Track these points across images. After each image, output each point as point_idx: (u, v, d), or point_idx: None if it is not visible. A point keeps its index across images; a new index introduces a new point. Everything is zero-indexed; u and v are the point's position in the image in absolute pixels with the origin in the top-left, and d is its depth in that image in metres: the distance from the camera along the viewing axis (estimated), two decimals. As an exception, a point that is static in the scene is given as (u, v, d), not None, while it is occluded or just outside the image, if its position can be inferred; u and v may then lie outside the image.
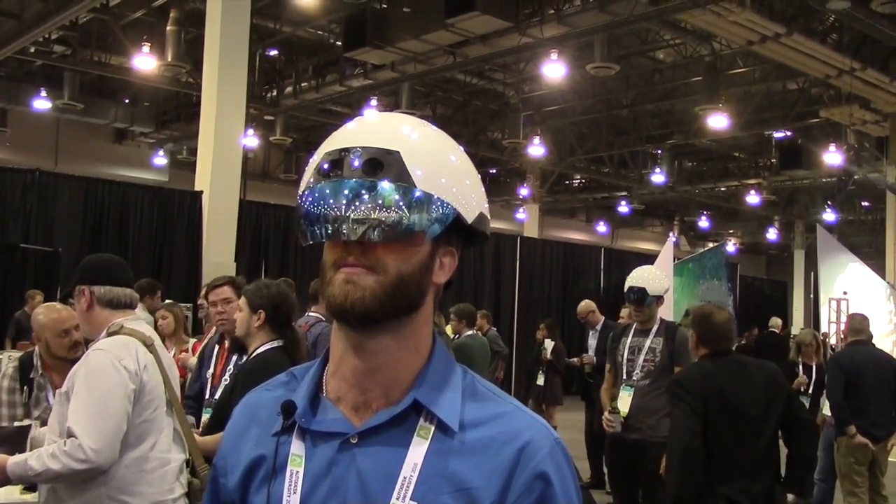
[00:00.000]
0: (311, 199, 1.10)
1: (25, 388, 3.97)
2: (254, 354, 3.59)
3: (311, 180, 1.12)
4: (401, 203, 1.08)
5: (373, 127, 1.17)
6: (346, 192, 1.08)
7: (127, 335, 2.84)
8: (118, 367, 2.72)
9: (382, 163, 1.10)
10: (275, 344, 3.58)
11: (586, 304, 9.01)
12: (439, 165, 1.14)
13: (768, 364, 4.18)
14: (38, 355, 3.92)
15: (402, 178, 1.09)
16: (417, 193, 1.10)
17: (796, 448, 3.97)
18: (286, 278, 7.53)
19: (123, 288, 2.97)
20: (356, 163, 1.10)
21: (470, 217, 1.15)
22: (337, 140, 1.15)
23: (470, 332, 8.10)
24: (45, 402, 3.87)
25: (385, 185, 1.09)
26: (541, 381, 9.76)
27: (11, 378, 4.07)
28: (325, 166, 1.12)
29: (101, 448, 2.61)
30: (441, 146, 1.18)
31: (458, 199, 1.13)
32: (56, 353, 3.77)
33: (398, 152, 1.10)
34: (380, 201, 1.08)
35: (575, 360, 9.13)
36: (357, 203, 1.07)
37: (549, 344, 9.75)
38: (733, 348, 4.08)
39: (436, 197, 1.11)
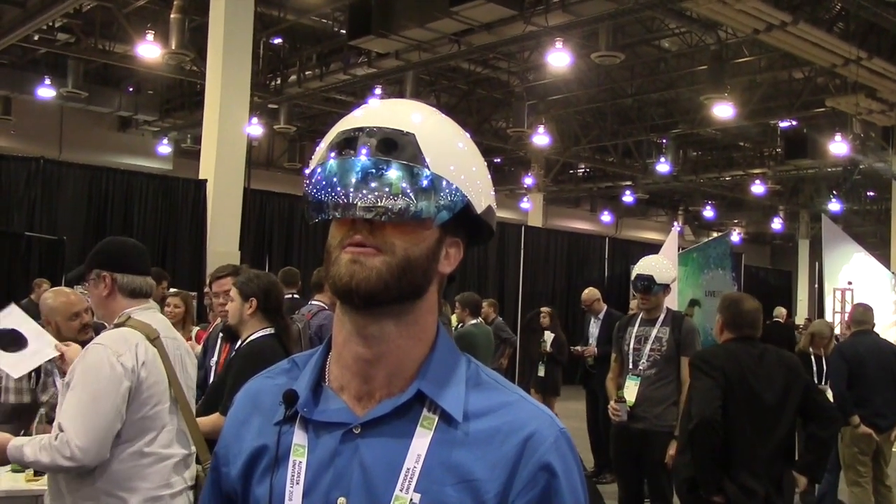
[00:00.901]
0: (321, 176, 1.09)
1: (32, 373, 3.99)
2: (246, 341, 3.68)
3: (323, 158, 1.11)
4: (413, 184, 1.07)
5: (387, 109, 1.17)
6: (358, 170, 1.07)
7: (132, 327, 2.79)
8: (114, 363, 2.65)
9: (397, 143, 1.09)
10: (267, 331, 3.68)
11: (591, 292, 8.97)
12: (452, 152, 1.14)
13: (787, 354, 4.19)
14: None
15: (416, 160, 1.09)
16: (430, 176, 1.09)
17: (813, 431, 3.96)
18: (290, 267, 7.57)
19: (144, 277, 2.93)
20: (370, 142, 1.09)
21: (479, 207, 1.14)
22: (351, 120, 1.14)
23: (474, 321, 8.07)
24: (52, 387, 3.90)
25: (398, 166, 1.08)
26: (541, 371, 9.71)
27: None
28: (339, 144, 1.11)
29: (88, 447, 2.56)
30: (454, 134, 1.17)
31: (468, 186, 1.12)
32: (66, 335, 3.79)
33: (413, 134, 1.10)
34: (392, 181, 1.07)
35: (578, 348, 9.08)
36: (369, 182, 1.07)
37: (548, 336, 9.68)
38: (756, 338, 4.03)
39: (448, 182, 1.10)
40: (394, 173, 1.07)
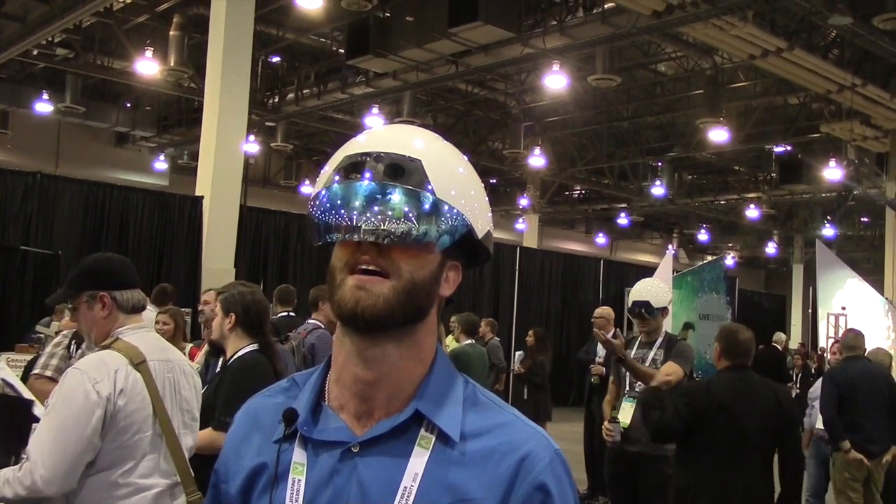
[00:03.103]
0: (328, 199, 1.11)
1: (74, 342, 4.18)
2: (236, 356, 3.65)
3: (330, 180, 1.13)
4: (420, 209, 1.10)
5: (393, 134, 1.19)
6: (367, 194, 1.09)
7: (117, 350, 2.65)
8: (89, 390, 2.51)
9: (404, 168, 1.11)
10: (253, 347, 3.65)
11: (606, 310, 8.86)
12: (455, 178, 1.16)
13: (780, 387, 4.68)
14: None
15: (423, 186, 1.11)
16: (436, 202, 1.11)
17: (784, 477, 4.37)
18: (287, 285, 7.56)
19: (138, 290, 2.84)
20: (378, 167, 1.11)
21: (480, 232, 1.17)
22: (357, 145, 1.17)
23: (469, 341, 8.08)
24: None
25: (406, 191, 1.10)
26: (525, 394, 9.52)
27: (63, 335, 4.39)
28: (346, 168, 1.13)
29: (52, 478, 2.45)
30: (456, 159, 1.20)
31: (469, 212, 1.15)
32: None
33: (419, 160, 1.12)
34: (398, 206, 1.09)
35: (596, 360, 8.82)
36: (378, 206, 1.09)
37: (518, 355, 9.46)
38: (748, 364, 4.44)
39: (451, 207, 1.13)
40: (400, 198, 1.09)
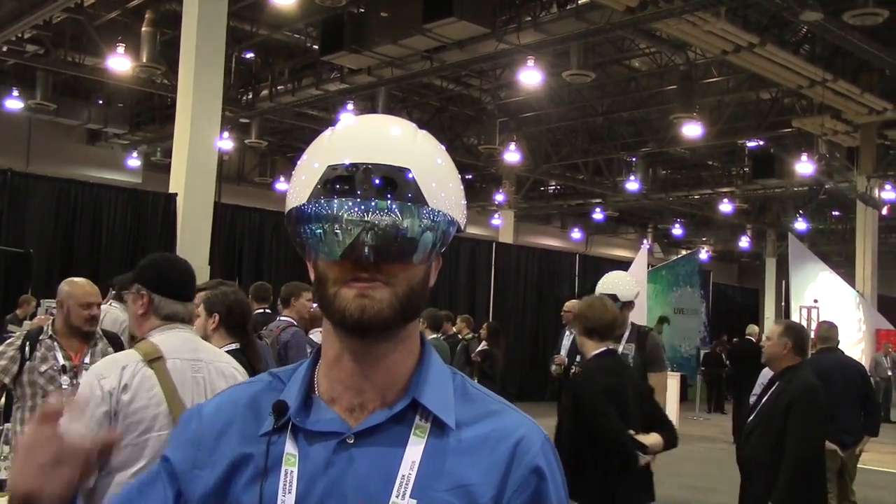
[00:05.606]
0: (318, 215, 1.08)
1: (28, 344, 4.07)
2: None
3: (318, 194, 1.09)
4: (418, 224, 1.08)
5: (376, 139, 1.15)
6: (364, 211, 1.06)
7: (136, 349, 2.64)
8: (95, 386, 2.50)
9: (396, 181, 1.08)
10: (232, 346, 3.64)
11: (576, 304, 8.96)
12: (442, 177, 1.14)
13: None
14: (50, 324, 4.13)
15: (418, 198, 1.09)
16: (432, 212, 1.10)
17: None
18: (262, 282, 7.53)
19: (185, 304, 2.80)
20: (370, 181, 1.08)
21: (462, 223, 1.17)
22: (339, 151, 1.12)
23: (433, 336, 8.28)
24: (52, 360, 3.99)
25: (404, 206, 1.08)
26: None
27: (17, 335, 4.30)
28: (336, 182, 1.09)
29: None
30: (436, 151, 1.18)
31: (456, 209, 1.15)
32: (73, 321, 3.97)
33: (409, 169, 1.10)
34: (399, 222, 1.07)
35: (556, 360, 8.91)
36: (377, 223, 1.06)
37: (471, 340, 9.51)
38: None
39: (444, 213, 1.11)
40: (399, 215, 1.07)
